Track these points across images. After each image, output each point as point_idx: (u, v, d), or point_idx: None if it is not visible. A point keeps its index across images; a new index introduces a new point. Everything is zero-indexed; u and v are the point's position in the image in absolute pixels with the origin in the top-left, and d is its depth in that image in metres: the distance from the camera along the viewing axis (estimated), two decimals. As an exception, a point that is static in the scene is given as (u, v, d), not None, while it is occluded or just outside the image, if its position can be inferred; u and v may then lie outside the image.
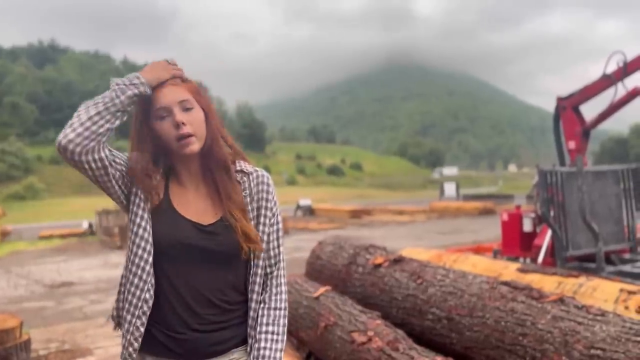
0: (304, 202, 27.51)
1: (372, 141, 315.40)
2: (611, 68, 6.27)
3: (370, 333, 2.81)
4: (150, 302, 1.30)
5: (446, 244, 11.55)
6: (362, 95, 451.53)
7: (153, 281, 1.31)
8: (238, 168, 1.39)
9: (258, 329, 1.36)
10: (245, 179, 1.39)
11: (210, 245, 1.31)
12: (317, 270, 4.34)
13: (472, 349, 2.90)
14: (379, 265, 3.75)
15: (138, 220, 1.31)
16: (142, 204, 1.32)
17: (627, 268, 5.43)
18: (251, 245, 1.33)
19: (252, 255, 1.36)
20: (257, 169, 1.42)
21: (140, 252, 1.30)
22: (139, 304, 1.30)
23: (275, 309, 1.38)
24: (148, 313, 1.31)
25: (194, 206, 1.35)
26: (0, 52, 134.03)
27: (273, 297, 1.39)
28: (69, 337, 5.54)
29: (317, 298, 3.47)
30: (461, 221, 20.03)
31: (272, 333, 1.35)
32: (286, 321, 1.39)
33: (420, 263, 3.64)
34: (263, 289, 1.39)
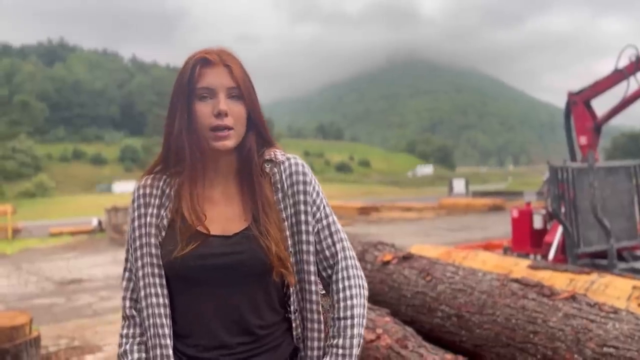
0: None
1: (380, 138, 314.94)
2: (623, 63, 6.19)
3: (379, 330, 2.79)
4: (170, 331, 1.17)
5: (455, 240, 11.50)
6: (369, 92, 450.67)
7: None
8: (267, 157, 1.20)
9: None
10: (275, 170, 1.19)
11: (240, 259, 1.12)
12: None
13: (482, 347, 2.87)
14: (387, 262, 3.72)
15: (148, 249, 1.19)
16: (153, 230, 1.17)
17: (639, 265, 5.37)
18: (283, 271, 1.14)
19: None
20: (290, 156, 1.21)
21: (152, 280, 1.18)
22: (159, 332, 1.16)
23: (339, 318, 1.18)
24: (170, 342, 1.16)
25: (218, 210, 1.17)
26: (10, 50, 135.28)
27: (336, 305, 1.19)
28: (79, 334, 5.57)
29: (324, 296, 3.44)
30: (470, 218, 19.94)
31: (337, 346, 1.16)
32: (356, 331, 1.17)
33: (430, 260, 3.61)
34: (303, 299, 1.20)
